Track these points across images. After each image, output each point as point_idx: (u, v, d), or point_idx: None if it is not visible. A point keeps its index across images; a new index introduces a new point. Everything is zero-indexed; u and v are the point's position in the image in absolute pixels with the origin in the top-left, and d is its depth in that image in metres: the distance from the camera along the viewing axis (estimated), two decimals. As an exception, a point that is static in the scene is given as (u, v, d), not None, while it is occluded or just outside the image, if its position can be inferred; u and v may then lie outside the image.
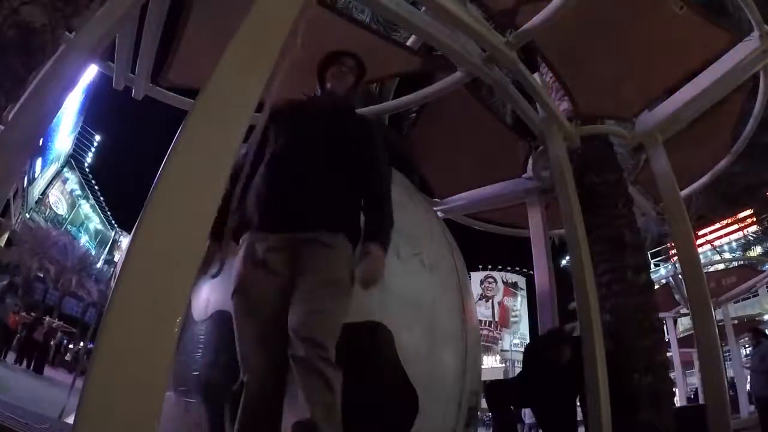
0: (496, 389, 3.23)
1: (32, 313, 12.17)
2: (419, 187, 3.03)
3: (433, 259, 2.30)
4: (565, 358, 2.74)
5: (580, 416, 3.00)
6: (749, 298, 16.07)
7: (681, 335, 11.78)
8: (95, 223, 33.20)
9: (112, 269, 26.88)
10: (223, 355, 1.96)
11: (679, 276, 7.85)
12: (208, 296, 2.06)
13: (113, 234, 33.69)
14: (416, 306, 2.10)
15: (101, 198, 33.51)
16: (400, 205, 2.34)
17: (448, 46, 2.63)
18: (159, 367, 1.03)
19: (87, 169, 32.54)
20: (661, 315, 4.84)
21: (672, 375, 6.84)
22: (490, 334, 31.65)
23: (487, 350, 30.21)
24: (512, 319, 33.61)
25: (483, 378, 3.78)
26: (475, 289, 34.47)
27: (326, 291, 1.36)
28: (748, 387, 7.71)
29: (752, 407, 6.91)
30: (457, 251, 2.68)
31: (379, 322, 1.96)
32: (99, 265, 27.73)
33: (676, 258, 6.63)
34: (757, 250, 13.69)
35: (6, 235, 21.96)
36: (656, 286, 7.20)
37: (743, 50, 3.25)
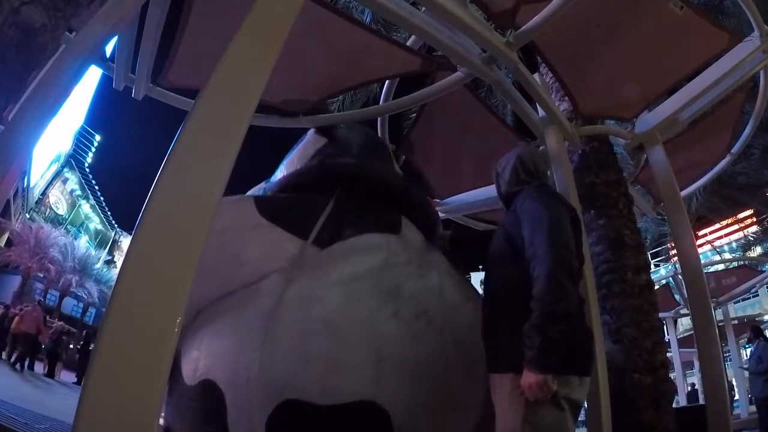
0: None
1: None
2: (430, 224, 2.59)
3: (446, 317, 1.93)
4: None
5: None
6: (749, 298, 16.08)
7: (681, 335, 11.77)
8: (95, 223, 33.19)
9: (113, 270, 26.89)
10: (209, 429, 1.75)
11: (679, 276, 7.86)
12: (197, 360, 1.83)
13: (113, 234, 33.68)
14: (420, 378, 1.74)
15: (101, 198, 33.51)
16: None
17: (448, 46, 2.62)
18: (159, 367, 1.04)
19: (87, 169, 32.54)
20: (661, 315, 4.84)
21: (672, 375, 6.84)
22: (490, 334, 31.64)
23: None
24: (512, 319, 33.55)
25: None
26: (475, 290, 34.49)
27: None
28: (746, 387, 7.72)
29: (752, 407, 6.91)
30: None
31: (371, 401, 1.65)
32: (99, 265, 27.68)
33: (676, 258, 6.64)
34: (757, 250, 13.65)
35: (6, 235, 21.95)
36: (656, 286, 7.21)
37: (743, 50, 3.25)
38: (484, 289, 1.75)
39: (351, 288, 1.86)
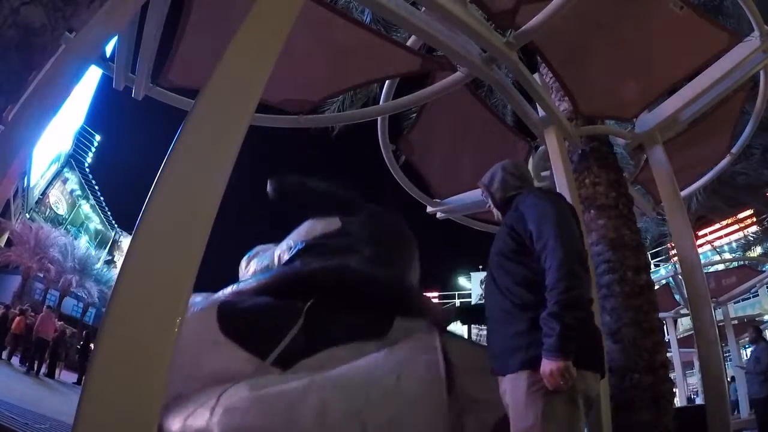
0: None
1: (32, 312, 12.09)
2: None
3: (391, 413, 1.61)
4: None
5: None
6: (749, 298, 16.09)
7: (681, 335, 11.77)
8: (95, 223, 33.17)
9: (113, 270, 26.88)
10: None
11: (679, 276, 7.86)
12: None
13: (113, 234, 33.67)
14: None
15: (101, 198, 33.50)
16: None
17: (448, 46, 2.63)
18: (159, 367, 1.04)
19: (87, 169, 32.53)
20: (661, 315, 4.84)
21: (672, 375, 6.84)
22: (490, 334, 31.66)
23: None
24: (512, 319, 33.54)
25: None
26: (476, 290, 34.54)
27: None
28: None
29: (752, 409, 6.91)
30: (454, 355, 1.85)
31: None
32: (99, 265, 27.68)
33: (676, 258, 6.66)
34: (757, 250, 13.66)
35: (6, 235, 21.95)
36: (656, 286, 7.21)
37: (743, 50, 3.26)
38: (488, 291, 1.72)
39: (285, 396, 1.65)
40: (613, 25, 3.03)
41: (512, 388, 1.48)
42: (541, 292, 1.45)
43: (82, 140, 31.80)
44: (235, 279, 2.48)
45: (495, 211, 1.97)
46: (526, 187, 1.87)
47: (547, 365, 1.36)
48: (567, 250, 1.45)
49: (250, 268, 2.72)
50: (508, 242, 1.66)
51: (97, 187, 33.26)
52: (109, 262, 29.68)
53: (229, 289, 2.28)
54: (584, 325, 1.44)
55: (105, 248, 31.94)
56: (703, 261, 5.85)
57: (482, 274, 34.81)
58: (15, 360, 10.77)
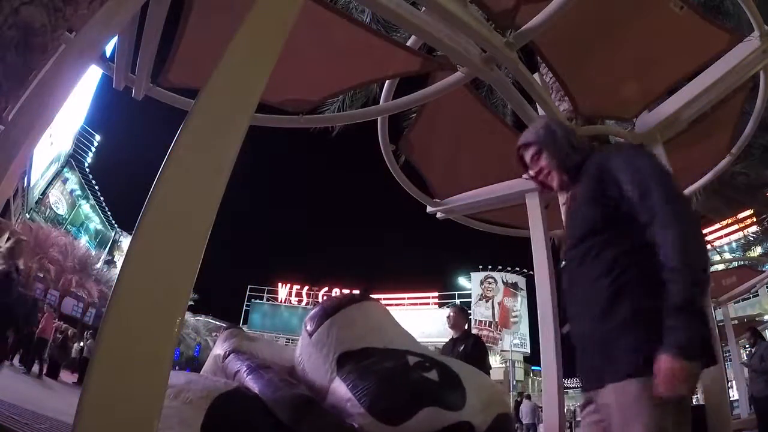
0: None
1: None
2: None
3: None
4: None
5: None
6: (749, 298, 16.10)
7: (681, 335, 11.73)
8: (95, 223, 33.17)
9: (113, 270, 26.87)
10: None
11: (679, 276, 7.81)
12: None
13: (113, 234, 33.67)
14: None
15: (101, 198, 33.48)
16: None
17: (448, 46, 2.63)
18: (159, 367, 1.04)
19: (87, 169, 32.50)
20: (661, 315, 4.82)
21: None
22: (491, 334, 31.66)
23: (488, 351, 30.23)
24: (512, 319, 33.61)
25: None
26: (475, 290, 34.50)
27: None
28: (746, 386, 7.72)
29: (752, 408, 6.91)
30: None
31: None
32: (99, 265, 27.67)
33: (676, 258, 6.63)
34: (757, 250, 13.67)
35: (6, 235, 21.93)
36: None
37: (743, 50, 3.26)
38: (575, 291, 1.34)
39: None
40: (613, 25, 3.03)
41: (618, 397, 1.13)
42: (645, 273, 1.15)
43: (82, 140, 31.74)
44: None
45: (556, 178, 1.50)
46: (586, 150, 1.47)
47: (669, 363, 1.02)
48: (685, 216, 1.14)
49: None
50: (593, 215, 1.29)
51: (97, 187, 33.21)
52: (109, 262, 29.66)
53: (237, 366, 2.03)
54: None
55: (105, 248, 31.94)
56: (703, 261, 5.82)
57: (482, 275, 34.74)
58: (15, 360, 10.77)
